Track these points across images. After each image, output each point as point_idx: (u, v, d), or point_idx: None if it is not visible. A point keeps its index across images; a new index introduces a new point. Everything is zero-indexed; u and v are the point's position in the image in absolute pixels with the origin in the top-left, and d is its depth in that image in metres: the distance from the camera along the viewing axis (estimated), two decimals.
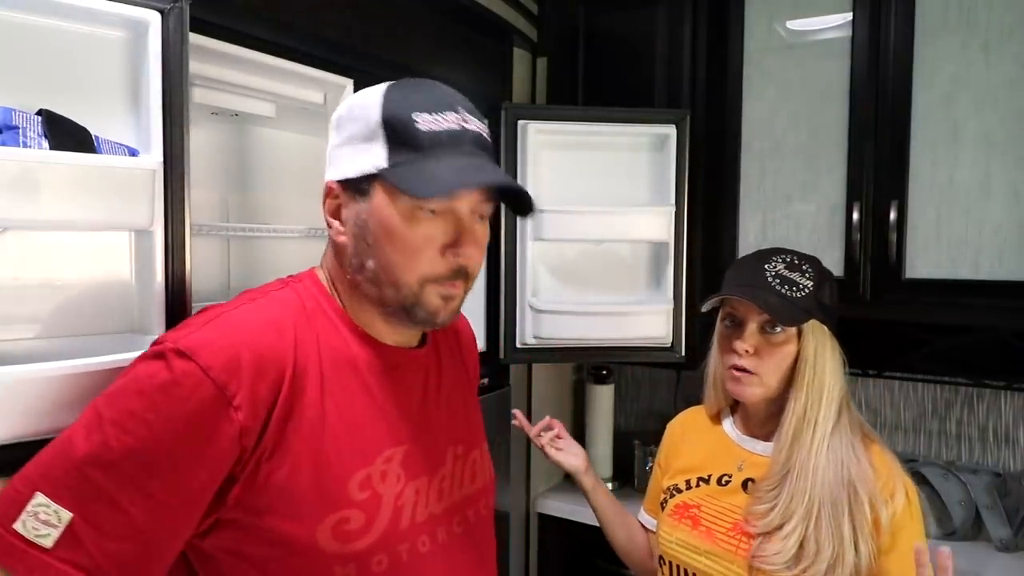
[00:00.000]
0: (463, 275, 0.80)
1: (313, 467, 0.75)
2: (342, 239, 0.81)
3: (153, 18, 1.03)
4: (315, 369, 0.77)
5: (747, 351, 1.12)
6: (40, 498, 0.69)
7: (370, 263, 0.79)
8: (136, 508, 0.70)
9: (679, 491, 1.23)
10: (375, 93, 0.79)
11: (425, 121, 0.75)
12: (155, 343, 0.76)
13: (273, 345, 0.75)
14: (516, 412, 1.44)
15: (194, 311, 1.11)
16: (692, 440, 1.30)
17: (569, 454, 1.37)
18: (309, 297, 0.83)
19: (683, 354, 1.95)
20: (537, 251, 1.94)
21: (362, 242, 0.79)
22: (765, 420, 1.18)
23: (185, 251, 1.07)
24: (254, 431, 0.72)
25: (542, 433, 1.39)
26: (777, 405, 1.14)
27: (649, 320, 1.95)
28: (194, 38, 1.10)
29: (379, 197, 0.77)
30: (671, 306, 1.94)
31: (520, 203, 0.83)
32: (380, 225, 0.77)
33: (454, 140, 0.76)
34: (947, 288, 1.75)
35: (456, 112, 0.78)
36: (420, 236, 0.76)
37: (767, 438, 1.17)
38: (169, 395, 0.71)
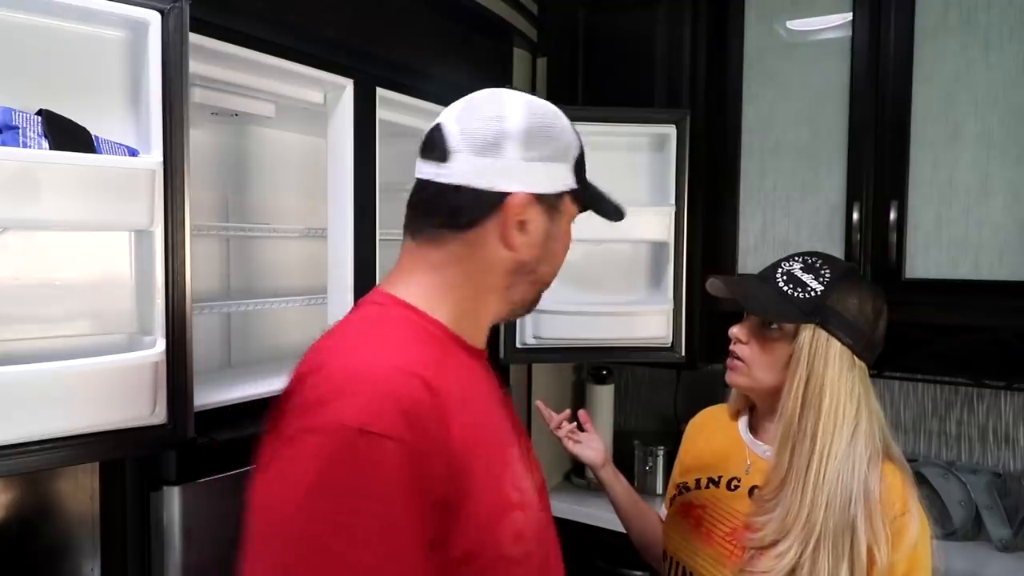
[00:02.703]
0: None
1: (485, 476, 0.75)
2: (525, 250, 0.82)
3: (153, 18, 1.03)
4: (455, 386, 0.76)
5: (739, 339, 1.12)
6: None
7: (543, 268, 0.87)
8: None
9: (688, 489, 1.22)
10: (559, 113, 0.87)
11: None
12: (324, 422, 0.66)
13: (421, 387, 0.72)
14: (539, 402, 1.43)
15: (195, 311, 1.11)
16: (707, 437, 1.28)
17: (587, 447, 1.36)
18: (416, 321, 0.80)
19: (683, 354, 1.95)
20: None
21: (544, 250, 0.85)
22: (772, 423, 1.14)
23: (185, 251, 1.07)
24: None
25: (563, 424, 1.38)
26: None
27: (649, 320, 1.95)
28: (194, 38, 1.10)
29: (568, 211, 0.89)
30: (671, 306, 1.94)
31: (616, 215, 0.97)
32: (563, 235, 0.89)
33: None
34: (947, 288, 1.75)
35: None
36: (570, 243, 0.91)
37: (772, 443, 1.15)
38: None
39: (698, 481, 1.21)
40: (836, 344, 1.05)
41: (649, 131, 1.97)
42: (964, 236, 1.74)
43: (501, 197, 0.78)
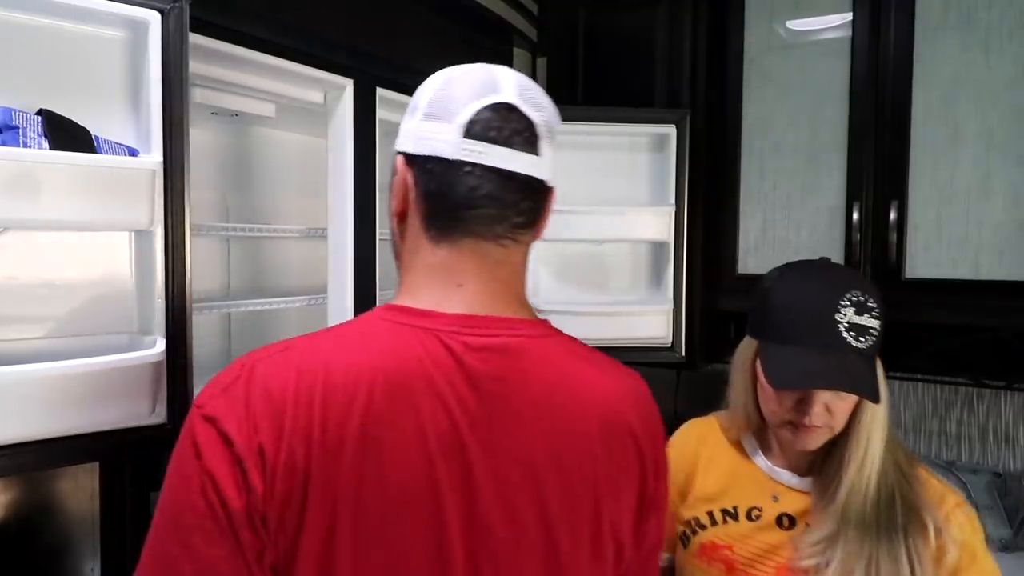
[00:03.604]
0: None
1: None
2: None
3: (153, 18, 1.03)
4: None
5: (820, 421, 1.01)
6: None
7: None
8: None
9: (703, 527, 1.11)
10: None
11: None
12: None
13: None
14: None
15: (195, 311, 1.11)
16: (708, 460, 1.17)
17: None
18: None
19: (683, 354, 1.95)
20: (537, 251, 1.93)
21: None
22: (802, 452, 1.07)
23: (185, 251, 1.07)
24: None
25: None
26: None
27: (649, 320, 1.95)
28: (194, 38, 1.10)
29: None
30: (671, 306, 1.94)
31: None
32: None
33: None
34: (947, 288, 1.75)
35: None
36: None
37: (803, 472, 1.07)
38: None
39: (711, 515, 1.11)
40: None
41: (649, 131, 1.97)
42: (964, 236, 1.74)
43: (549, 192, 0.74)
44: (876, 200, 1.82)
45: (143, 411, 1.05)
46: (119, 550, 1.35)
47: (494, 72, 0.71)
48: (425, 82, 0.73)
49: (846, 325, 0.97)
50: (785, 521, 1.06)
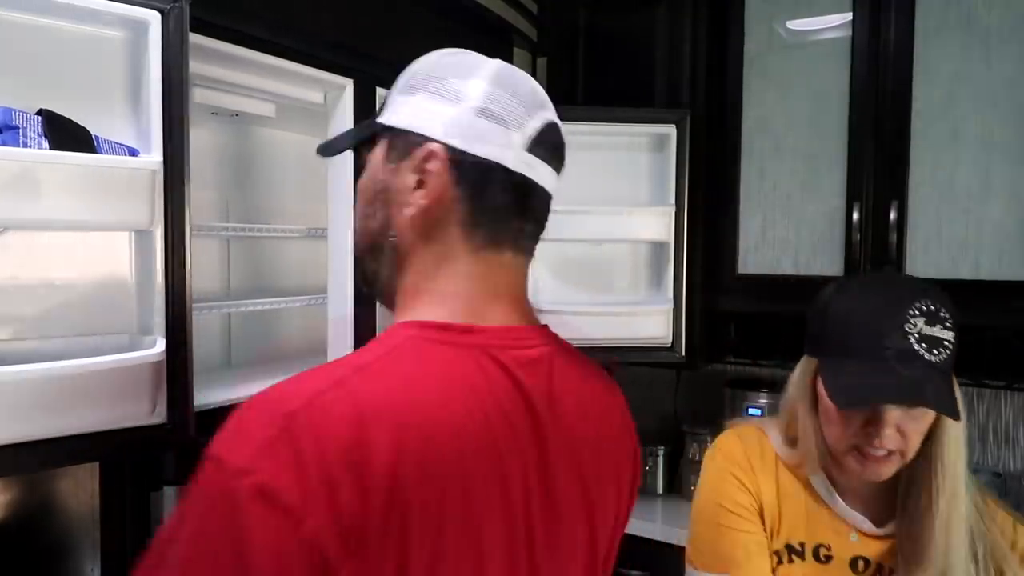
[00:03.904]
0: None
1: None
2: None
3: (153, 18, 1.03)
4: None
5: (895, 445, 0.91)
6: None
7: None
8: None
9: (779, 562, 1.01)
10: None
11: None
12: None
13: None
14: None
15: (195, 311, 1.11)
16: (771, 484, 1.04)
17: None
18: None
19: (683, 354, 1.95)
20: (537, 251, 1.93)
21: None
22: (877, 492, 0.98)
23: (185, 251, 1.07)
24: None
25: None
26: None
27: (649, 320, 1.95)
28: (194, 38, 1.10)
29: None
30: (671, 306, 1.94)
31: None
32: None
33: None
34: (947, 288, 1.73)
35: None
36: None
37: (875, 514, 0.98)
38: None
39: (778, 554, 1.00)
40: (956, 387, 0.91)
41: (649, 131, 1.97)
42: (964, 236, 1.74)
43: None
44: (876, 200, 1.82)
45: (143, 411, 1.04)
46: (119, 550, 1.35)
47: (531, 82, 0.69)
48: (448, 59, 0.67)
49: (917, 336, 0.88)
50: (860, 565, 0.96)
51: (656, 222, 1.93)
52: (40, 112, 0.97)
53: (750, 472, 1.04)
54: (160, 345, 1.05)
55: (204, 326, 1.58)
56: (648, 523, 1.95)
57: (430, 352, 0.60)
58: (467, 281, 0.65)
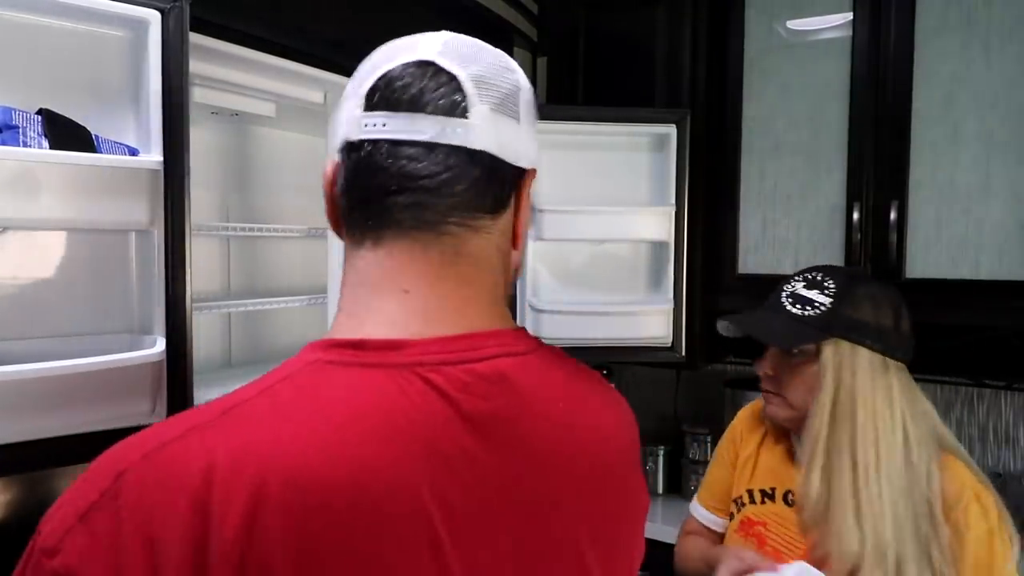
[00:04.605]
0: None
1: None
2: (519, 254, 0.63)
3: (153, 18, 1.03)
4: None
5: (767, 373, 1.11)
6: None
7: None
8: None
9: (743, 504, 1.17)
10: None
11: None
12: None
13: None
14: None
15: (195, 311, 1.11)
16: (755, 440, 1.22)
17: None
18: None
19: (683, 354, 1.95)
20: (537, 251, 1.94)
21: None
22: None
23: (185, 251, 1.07)
24: None
25: None
26: None
27: (649, 320, 1.95)
28: (194, 38, 1.10)
29: None
30: (671, 306, 1.94)
31: None
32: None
33: None
34: (947, 288, 1.75)
35: None
36: None
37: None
38: None
39: (751, 493, 1.17)
40: (863, 352, 1.02)
41: (649, 131, 1.97)
42: (964, 236, 1.74)
43: (520, 174, 0.58)
44: (876, 200, 1.82)
45: (143, 411, 1.05)
46: None
47: (420, 36, 0.57)
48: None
49: (788, 294, 1.08)
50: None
51: (656, 222, 1.93)
52: (40, 112, 0.97)
53: (740, 430, 1.25)
54: (160, 345, 1.05)
55: (204, 326, 1.58)
56: (648, 523, 1.94)
57: (334, 379, 0.49)
58: (361, 283, 0.55)
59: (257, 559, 0.40)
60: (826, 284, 1.06)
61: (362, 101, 0.53)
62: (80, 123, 1.00)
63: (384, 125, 0.52)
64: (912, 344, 1.07)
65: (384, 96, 0.52)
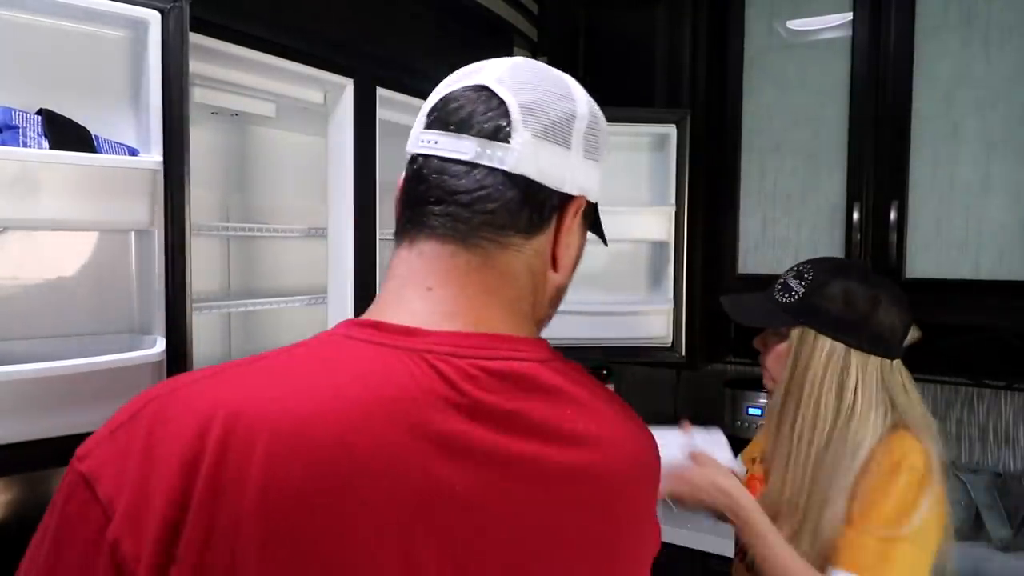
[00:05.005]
0: None
1: None
2: (565, 275, 0.66)
3: (153, 18, 1.03)
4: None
5: (757, 348, 1.22)
6: None
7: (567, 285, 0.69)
8: None
9: (748, 470, 1.31)
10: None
11: None
12: None
13: None
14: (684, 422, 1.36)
15: (195, 311, 1.11)
16: None
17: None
18: None
19: (683, 354, 1.95)
20: None
21: (571, 274, 0.68)
22: None
23: (185, 251, 1.07)
24: None
25: None
26: None
27: (649, 320, 1.95)
28: (194, 38, 1.10)
29: (582, 216, 0.65)
30: (671, 306, 1.94)
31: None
32: (583, 244, 0.70)
33: None
34: (947, 288, 1.75)
35: None
36: None
37: None
38: None
39: (753, 460, 1.32)
40: (825, 340, 1.10)
41: (649, 131, 1.97)
42: (964, 236, 1.74)
43: (565, 199, 0.60)
44: (876, 200, 1.82)
45: None
46: None
47: (488, 61, 0.61)
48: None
49: (781, 281, 1.19)
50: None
51: (656, 222, 1.93)
52: (40, 112, 0.97)
53: None
54: (160, 345, 1.05)
55: (204, 326, 1.58)
56: None
57: (346, 349, 0.53)
58: (392, 278, 0.59)
59: (235, 489, 0.45)
60: (806, 275, 1.15)
61: (423, 119, 0.59)
62: (80, 123, 1.00)
63: (436, 143, 0.57)
64: (895, 339, 1.11)
65: (440, 116, 0.58)
